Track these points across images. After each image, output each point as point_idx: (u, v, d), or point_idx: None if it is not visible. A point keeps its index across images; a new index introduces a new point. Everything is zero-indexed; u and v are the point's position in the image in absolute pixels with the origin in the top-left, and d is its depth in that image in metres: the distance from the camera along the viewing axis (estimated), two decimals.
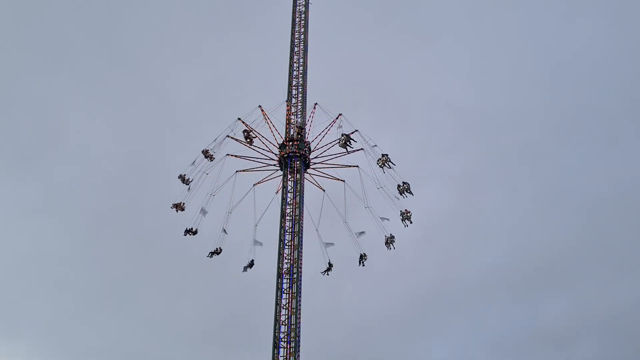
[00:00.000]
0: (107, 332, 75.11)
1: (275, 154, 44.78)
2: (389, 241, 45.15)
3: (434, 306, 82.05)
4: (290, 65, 46.83)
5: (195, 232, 45.46)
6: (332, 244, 44.13)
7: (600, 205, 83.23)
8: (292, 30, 48.00)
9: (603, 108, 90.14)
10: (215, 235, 45.07)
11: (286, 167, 43.75)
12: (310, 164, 44.92)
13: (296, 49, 47.08)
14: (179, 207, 45.77)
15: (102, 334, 75.24)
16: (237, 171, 45.50)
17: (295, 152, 43.79)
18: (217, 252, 45.48)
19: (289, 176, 43.68)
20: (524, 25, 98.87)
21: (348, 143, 43.88)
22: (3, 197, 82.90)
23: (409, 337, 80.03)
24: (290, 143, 44.13)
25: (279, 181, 44.83)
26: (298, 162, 43.79)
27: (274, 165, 45.06)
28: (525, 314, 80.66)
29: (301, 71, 46.43)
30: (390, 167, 44.14)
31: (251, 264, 44.80)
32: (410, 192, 44.68)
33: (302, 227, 42.18)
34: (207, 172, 45.29)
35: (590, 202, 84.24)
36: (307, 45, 47.47)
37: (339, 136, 44.16)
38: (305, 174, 44.49)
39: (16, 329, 75.55)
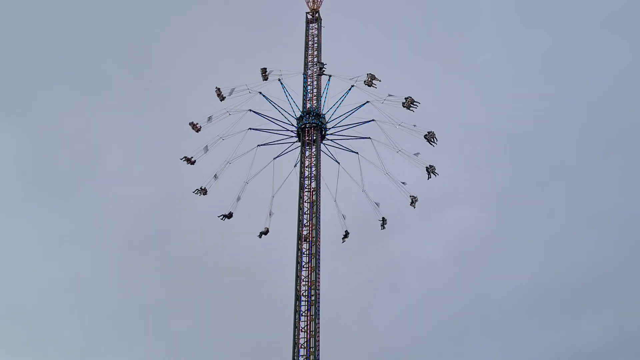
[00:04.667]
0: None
1: (293, 125, 46.05)
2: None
3: (465, 327, 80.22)
4: (304, 88, 47.47)
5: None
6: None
7: (636, 225, 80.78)
8: (305, 53, 48.62)
9: (637, 124, 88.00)
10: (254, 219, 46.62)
11: (304, 136, 45.16)
12: (327, 135, 46.21)
13: (309, 71, 47.68)
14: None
15: None
16: (258, 145, 46.95)
17: (312, 123, 45.32)
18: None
19: (306, 147, 45.02)
20: (557, 44, 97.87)
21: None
22: (39, 226, 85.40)
23: (439, 358, 78.43)
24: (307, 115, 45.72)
25: (297, 154, 46.01)
26: (315, 133, 45.25)
27: (293, 137, 46.27)
28: (559, 336, 77.93)
29: (315, 93, 47.11)
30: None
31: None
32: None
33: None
34: (223, 138, 46.92)
35: (627, 221, 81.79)
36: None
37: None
38: (321, 145, 45.86)
39: (49, 357, 76.72)
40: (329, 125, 46.53)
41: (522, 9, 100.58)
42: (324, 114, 46.48)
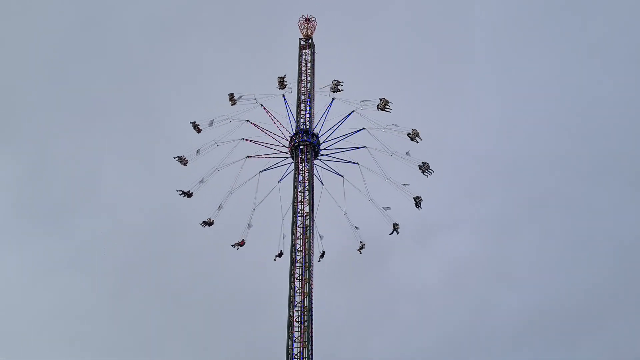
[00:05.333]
0: None
1: (286, 142, 46.44)
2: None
3: (462, 353, 79.22)
4: (298, 113, 47.63)
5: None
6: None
7: (631, 249, 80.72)
8: (298, 79, 48.87)
9: (633, 151, 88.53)
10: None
11: (297, 156, 45.45)
12: (320, 151, 46.56)
13: (303, 97, 47.87)
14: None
15: None
16: (247, 156, 47.35)
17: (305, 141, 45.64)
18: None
19: (300, 165, 45.15)
20: (552, 71, 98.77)
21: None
22: (31, 252, 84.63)
23: None
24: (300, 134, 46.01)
25: (284, 170, 46.63)
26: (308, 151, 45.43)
27: (285, 153, 46.63)
28: None
29: (308, 118, 47.22)
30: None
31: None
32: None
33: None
34: (218, 143, 47.52)
35: (622, 246, 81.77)
36: (314, 94, 48.37)
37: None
38: (317, 160, 46.36)
39: None
40: (321, 140, 46.92)
41: (517, 35, 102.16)
42: (319, 134, 46.87)
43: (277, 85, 48.84)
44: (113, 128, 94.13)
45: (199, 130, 48.67)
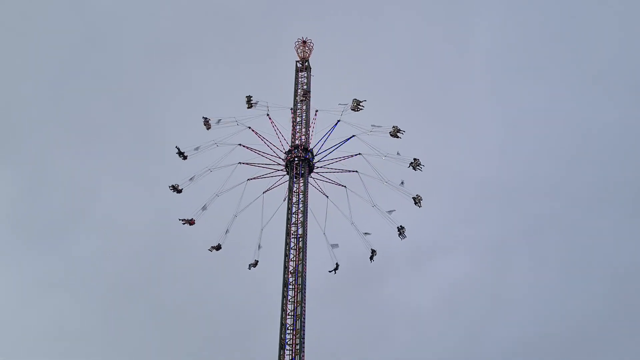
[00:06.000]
0: None
1: (281, 159, 46.82)
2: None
3: None
4: (293, 135, 47.85)
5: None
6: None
7: (627, 275, 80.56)
8: (294, 101, 49.21)
9: (629, 179, 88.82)
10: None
11: (292, 170, 45.94)
12: (314, 168, 47.08)
13: (299, 119, 48.16)
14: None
15: None
16: (248, 179, 47.76)
17: (300, 155, 46.24)
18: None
19: (294, 180, 45.65)
20: (550, 98, 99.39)
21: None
22: (24, 270, 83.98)
23: None
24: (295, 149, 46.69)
25: (284, 188, 46.73)
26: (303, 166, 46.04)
27: (281, 170, 47.08)
28: None
29: (303, 141, 47.48)
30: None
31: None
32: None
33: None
34: (211, 170, 47.84)
35: (617, 272, 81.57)
36: (309, 116, 48.70)
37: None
38: (309, 178, 46.69)
39: None
40: (316, 159, 47.37)
41: (516, 62, 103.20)
42: (312, 149, 47.36)
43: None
44: (110, 147, 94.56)
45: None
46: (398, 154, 46.76)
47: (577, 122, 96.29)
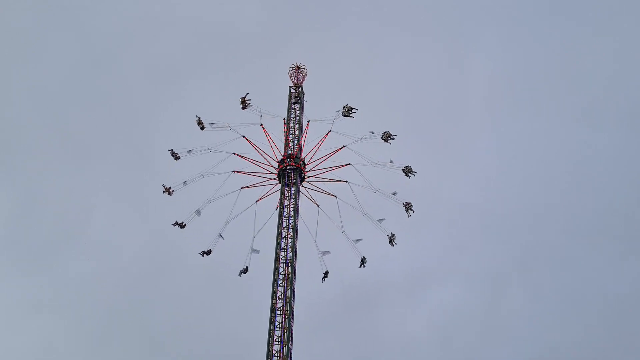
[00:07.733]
0: None
1: (274, 168, 47.30)
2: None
3: None
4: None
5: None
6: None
7: (621, 304, 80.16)
8: (287, 125, 49.23)
9: (622, 209, 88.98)
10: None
11: (284, 178, 46.44)
12: (306, 177, 47.54)
13: (290, 144, 48.16)
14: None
15: None
16: (242, 188, 48.29)
17: (292, 164, 46.79)
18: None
19: (286, 188, 46.13)
20: (544, 129, 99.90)
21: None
22: (12, 293, 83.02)
23: None
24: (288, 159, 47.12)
25: (277, 196, 47.11)
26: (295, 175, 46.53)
27: (274, 179, 47.58)
28: None
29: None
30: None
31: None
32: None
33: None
34: (204, 175, 48.55)
35: (611, 302, 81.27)
36: (303, 140, 48.74)
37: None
38: (301, 187, 47.14)
39: None
40: (308, 168, 47.68)
41: (512, 93, 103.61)
42: (304, 159, 47.80)
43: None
44: (104, 171, 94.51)
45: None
46: (391, 162, 47.03)
47: (571, 153, 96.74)
